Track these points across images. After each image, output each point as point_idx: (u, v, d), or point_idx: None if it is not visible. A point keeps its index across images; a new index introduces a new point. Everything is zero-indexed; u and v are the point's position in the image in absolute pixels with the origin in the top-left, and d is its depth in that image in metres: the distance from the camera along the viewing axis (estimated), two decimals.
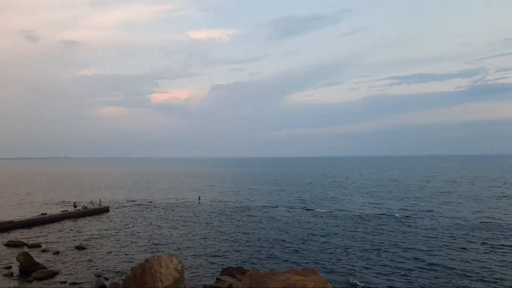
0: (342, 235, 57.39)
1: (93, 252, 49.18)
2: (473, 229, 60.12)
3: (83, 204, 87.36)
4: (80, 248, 51.10)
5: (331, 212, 79.83)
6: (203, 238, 57.24)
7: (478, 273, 38.77)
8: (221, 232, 61.76)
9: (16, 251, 48.01)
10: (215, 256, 47.25)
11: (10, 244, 52.81)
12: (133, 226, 67.21)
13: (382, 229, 60.96)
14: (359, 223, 66.94)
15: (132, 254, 48.07)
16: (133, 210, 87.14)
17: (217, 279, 36.47)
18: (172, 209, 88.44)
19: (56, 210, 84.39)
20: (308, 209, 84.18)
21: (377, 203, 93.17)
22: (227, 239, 56.30)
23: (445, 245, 50.24)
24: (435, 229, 60.86)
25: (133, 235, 60.03)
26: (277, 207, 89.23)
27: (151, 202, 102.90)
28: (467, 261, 42.89)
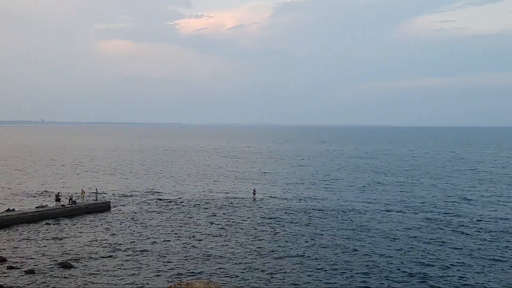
0: (487, 260, 54.68)
1: (85, 273, 49.41)
2: None
3: (69, 197, 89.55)
4: (65, 266, 51.11)
5: (471, 221, 75.98)
6: (258, 255, 56.64)
7: None
8: (286, 247, 60.58)
9: None
10: (276, 282, 46.86)
11: None
12: (147, 235, 67.24)
13: None
14: None
15: (147, 278, 48.01)
16: (147, 209, 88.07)
17: None
18: (208, 208, 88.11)
19: (29, 205, 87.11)
20: (429, 217, 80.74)
21: None
22: (296, 258, 55.31)
23: None
24: None
25: (148, 248, 59.93)
26: (378, 211, 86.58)
27: (173, 195, 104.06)
28: None
